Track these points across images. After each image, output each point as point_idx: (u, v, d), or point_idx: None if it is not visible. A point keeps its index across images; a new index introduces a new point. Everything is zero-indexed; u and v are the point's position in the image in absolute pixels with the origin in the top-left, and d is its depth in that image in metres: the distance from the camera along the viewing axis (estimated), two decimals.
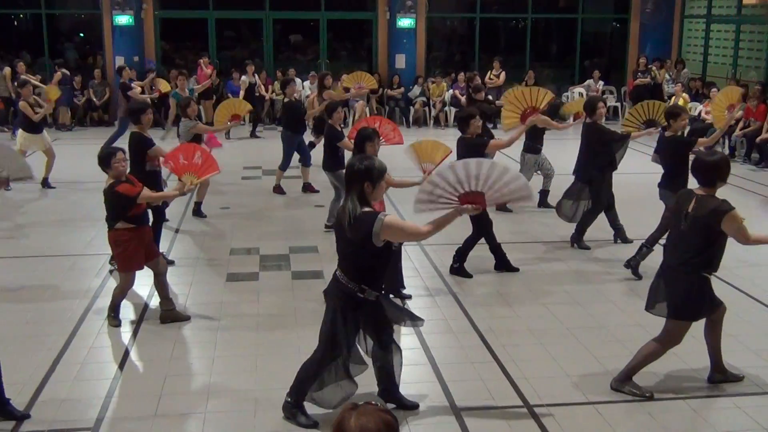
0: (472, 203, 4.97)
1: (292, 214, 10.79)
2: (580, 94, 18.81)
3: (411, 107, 18.74)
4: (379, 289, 5.09)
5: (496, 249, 8.32)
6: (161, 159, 8.01)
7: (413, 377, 5.95)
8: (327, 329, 5.11)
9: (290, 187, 12.04)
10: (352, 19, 21.31)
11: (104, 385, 5.71)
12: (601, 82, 19.41)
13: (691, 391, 5.72)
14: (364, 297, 4.98)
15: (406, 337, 6.68)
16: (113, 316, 6.91)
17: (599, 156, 8.93)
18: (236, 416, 5.34)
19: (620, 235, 9.31)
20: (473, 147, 8.03)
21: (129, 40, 18.88)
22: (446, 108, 18.81)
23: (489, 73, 18.88)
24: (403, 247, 7.85)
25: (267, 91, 18.47)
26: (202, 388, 5.69)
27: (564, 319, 7.01)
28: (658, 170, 8.27)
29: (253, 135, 16.99)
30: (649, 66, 18.45)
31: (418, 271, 8.33)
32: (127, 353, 6.31)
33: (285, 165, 11.89)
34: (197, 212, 10.41)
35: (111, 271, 8.10)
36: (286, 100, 12.33)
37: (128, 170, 6.96)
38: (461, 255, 8.24)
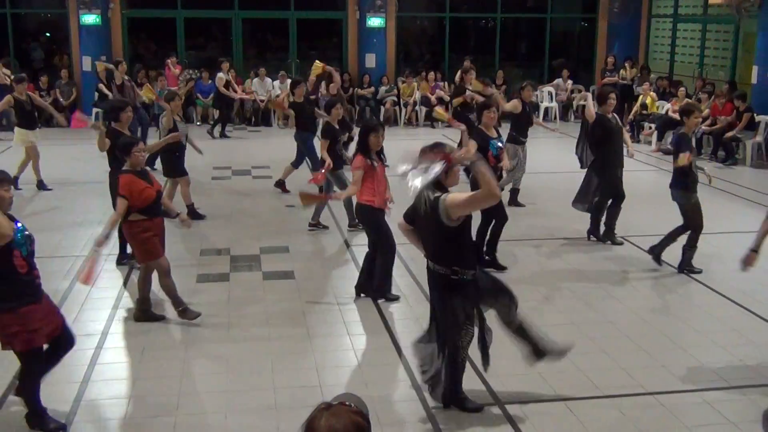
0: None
1: (263, 214, 10.74)
2: (549, 94, 18.96)
3: (381, 107, 18.73)
4: (472, 266, 5.12)
5: (478, 245, 8.29)
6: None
7: (385, 376, 5.95)
8: (447, 319, 5.16)
9: (264, 186, 11.99)
10: (322, 18, 21.26)
11: (73, 389, 5.64)
12: (569, 81, 19.56)
13: (660, 387, 5.77)
14: (458, 279, 5.03)
15: (377, 337, 6.69)
16: (144, 309, 6.88)
17: (606, 147, 9.07)
18: (208, 418, 5.31)
19: (608, 235, 9.34)
20: (479, 137, 8.29)
21: (96, 40, 18.66)
22: (417, 107, 18.83)
23: (459, 72, 18.90)
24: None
25: (237, 91, 18.36)
26: (173, 390, 5.64)
27: (533, 316, 7.02)
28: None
29: (222, 135, 16.87)
30: (618, 64, 18.59)
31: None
32: (96, 356, 6.24)
33: (297, 163, 11.83)
34: (195, 214, 10.20)
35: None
36: (292, 100, 12.23)
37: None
38: (491, 247, 8.27)
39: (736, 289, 7.81)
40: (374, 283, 7.46)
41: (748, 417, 5.15)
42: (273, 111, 18.53)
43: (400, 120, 18.67)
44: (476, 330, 5.25)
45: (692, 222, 8.14)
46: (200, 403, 5.50)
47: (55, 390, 5.50)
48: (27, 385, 5.12)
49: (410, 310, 7.26)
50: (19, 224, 5.04)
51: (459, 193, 5.00)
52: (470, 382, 5.77)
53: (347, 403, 2.52)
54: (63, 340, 5.25)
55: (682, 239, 8.26)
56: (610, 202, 9.21)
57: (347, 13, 19.81)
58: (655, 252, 8.43)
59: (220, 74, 17.26)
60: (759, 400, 5.36)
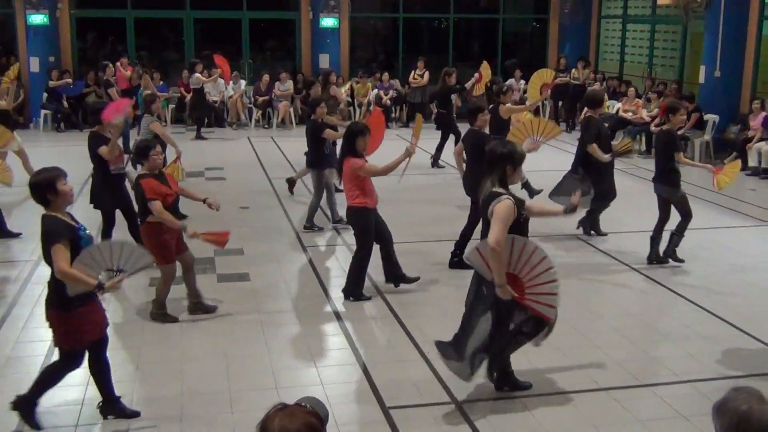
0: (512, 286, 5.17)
1: (217, 216, 10.60)
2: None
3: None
4: None
5: (462, 245, 8.33)
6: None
7: (342, 377, 5.95)
8: (492, 310, 5.26)
9: (218, 188, 11.89)
10: (275, 18, 21.16)
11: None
12: (522, 81, 19.72)
13: (613, 382, 5.85)
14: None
15: (333, 338, 6.68)
16: (162, 314, 6.89)
17: (601, 146, 9.16)
18: (164, 424, 5.24)
19: (594, 227, 9.58)
20: (479, 139, 8.34)
21: (44, 41, 18.29)
22: (371, 107, 18.83)
23: (413, 73, 18.98)
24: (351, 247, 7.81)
25: (189, 92, 18.17)
26: (126, 397, 5.54)
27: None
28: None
29: (198, 137, 16.71)
30: (570, 64, 18.82)
31: (344, 271, 8.30)
32: (48, 362, 6.11)
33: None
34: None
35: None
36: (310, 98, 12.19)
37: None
38: (461, 247, 8.29)
39: (685, 284, 7.97)
40: (345, 284, 7.51)
41: (700, 410, 5.25)
42: (226, 112, 18.39)
43: (355, 118, 18.65)
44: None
45: (684, 210, 8.40)
46: (155, 408, 5.42)
47: (4, 399, 5.38)
48: (47, 379, 5.16)
49: (366, 311, 7.26)
50: (82, 227, 5.01)
51: (502, 213, 5.09)
52: (426, 382, 5.80)
53: (303, 404, 2.53)
54: (104, 342, 5.25)
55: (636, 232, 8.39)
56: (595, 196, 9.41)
57: (300, 14, 19.74)
58: (669, 254, 8.56)
59: (196, 74, 17.11)
60: (710, 393, 5.46)
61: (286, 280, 8.12)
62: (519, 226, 5.22)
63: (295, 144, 15.67)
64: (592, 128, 9.21)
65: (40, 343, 6.41)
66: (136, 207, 7.13)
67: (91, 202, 8.22)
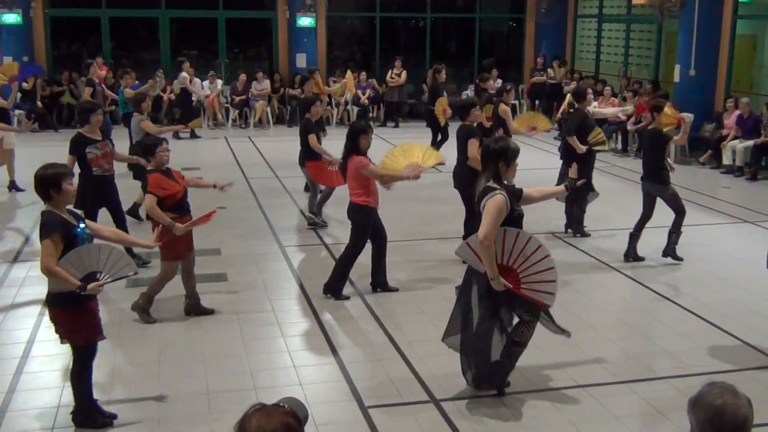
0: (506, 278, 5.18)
1: (193, 216, 10.55)
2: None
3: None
4: None
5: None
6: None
7: (320, 377, 5.94)
8: (482, 304, 5.28)
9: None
10: (251, 18, 21.08)
11: None
12: (499, 81, 19.77)
13: (591, 379, 5.89)
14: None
15: (311, 338, 6.66)
16: (146, 311, 6.87)
17: (585, 141, 9.27)
18: (138, 428, 5.20)
19: (577, 228, 9.63)
20: (469, 134, 8.29)
21: (17, 40, 18.10)
22: (349, 107, 18.83)
23: (390, 72, 18.99)
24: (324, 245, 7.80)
25: (165, 91, 18.08)
26: (100, 399, 5.51)
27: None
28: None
29: (193, 135, 16.71)
30: (546, 63, 18.92)
31: (323, 271, 8.29)
32: (22, 365, 6.05)
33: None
34: (135, 214, 10.00)
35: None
36: (303, 96, 12.18)
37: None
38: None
39: (661, 282, 8.04)
40: (328, 279, 7.50)
41: (676, 406, 5.29)
42: (203, 111, 18.30)
43: (332, 120, 18.62)
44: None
45: (677, 207, 8.48)
46: (132, 410, 5.38)
47: None
48: (81, 381, 5.13)
49: (345, 310, 7.25)
50: (82, 225, 5.01)
51: (492, 208, 5.10)
52: (405, 381, 5.80)
53: (282, 404, 2.53)
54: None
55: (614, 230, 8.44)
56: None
57: (277, 13, 19.68)
58: (669, 253, 8.62)
59: (183, 73, 17.02)
60: (686, 389, 5.51)
61: (264, 280, 8.09)
62: (512, 221, 5.22)
63: (273, 144, 15.67)
64: (574, 120, 9.32)
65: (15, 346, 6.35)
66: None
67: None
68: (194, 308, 7.04)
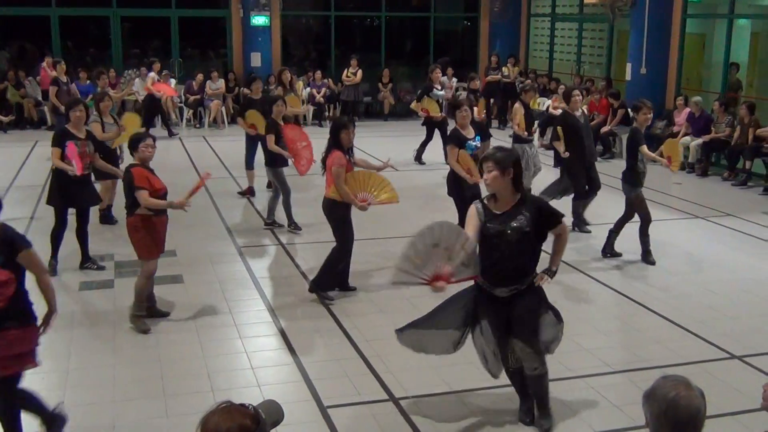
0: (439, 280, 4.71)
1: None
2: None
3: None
4: (488, 279, 4.88)
5: None
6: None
7: (278, 378, 5.91)
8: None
9: None
10: (205, 17, 20.89)
11: None
12: (454, 79, 19.88)
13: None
14: (480, 284, 4.96)
15: (269, 339, 6.63)
16: (141, 317, 6.72)
17: (573, 144, 9.36)
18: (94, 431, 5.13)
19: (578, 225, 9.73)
20: (457, 139, 8.23)
21: None
22: (305, 106, 18.75)
23: (346, 71, 18.97)
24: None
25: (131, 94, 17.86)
26: (54, 403, 5.41)
27: (424, 311, 7.10)
28: None
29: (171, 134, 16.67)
30: (501, 62, 19.05)
31: (279, 272, 8.26)
32: None
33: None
34: (107, 218, 9.92)
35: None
36: (249, 96, 12.08)
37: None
38: None
39: (615, 277, 8.15)
40: (316, 276, 7.47)
41: (631, 399, 5.37)
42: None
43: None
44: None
45: (640, 212, 8.55)
46: (85, 415, 5.29)
47: None
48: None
49: (303, 311, 7.23)
50: None
51: (467, 219, 4.95)
52: (364, 379, 5.80)
53: (248, 405, 2.53)
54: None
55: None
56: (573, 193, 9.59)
57: (230, 12, 19.54)
58: (607, 251, 8.76)
59: (151, 74, 16.76)
60: (640, 382, 5.59)
61: (221, 281, 8.02)
62: (482, 238, 4.83)
63: (228, 144, 15.53)
64: (555, 124, 9.54)
65: None
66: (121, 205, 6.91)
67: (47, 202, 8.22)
68: (150, 311, 6.94)
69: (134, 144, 6.70)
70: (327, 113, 19.07)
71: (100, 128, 9.23)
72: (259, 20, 19.29)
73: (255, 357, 6.25)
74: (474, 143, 8.35)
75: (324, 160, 7.41)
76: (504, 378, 5.78)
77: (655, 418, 2.73)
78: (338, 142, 7.24)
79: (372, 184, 7.39)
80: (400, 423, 5.24)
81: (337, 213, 7.35)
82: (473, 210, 4.93)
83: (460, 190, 8.16)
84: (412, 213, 10.02)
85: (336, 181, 7.18)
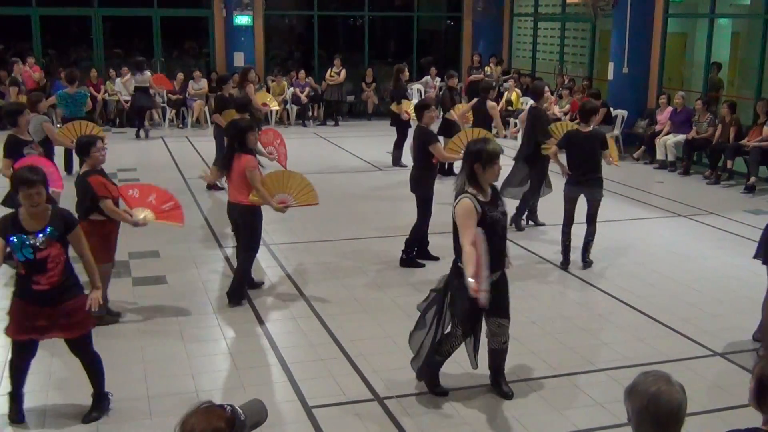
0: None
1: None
2: (419, 91, 19.24)
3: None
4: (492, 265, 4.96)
5: (423, 239, 8.44)
6: None
7: (263, 378, 5.89)
8: (460, 308, 5.22)
9: None
10: (187, 16, 20.81)
11: None
12: (437, 79, 19.90)
13: (530, 373, 5.98)
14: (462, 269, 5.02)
15: (253, 339, 6.61)
16: (109, 311, 6.74)
17: (541, 139, 9.41)
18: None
19: (533, 218, 9.97)
20: (427, 140, 8.15)
21: None
22: (288, 106, 18.73)
23: (329, 70, 18.95)
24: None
25: (99, 91, 17.74)
26: (37, 407, 5.38)
27: (408, 310, 7.11)
28: None
29: (138, 136, 16.57)
30: (484, 61, 19.11)
31: (265, 271, 8.24)
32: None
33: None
34: None
35: None
36: (219, 94, 12.05)
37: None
38: (411, 245, 8.35)
39: (597, 275, 8.19)
40: (232, 285, 7.39)
41: (614, 397, 5.40)
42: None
43: (272, 119, 18.49)
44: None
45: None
46: (68, 415, 5.27)
47: None
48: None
49: (288, 311, 7.21)
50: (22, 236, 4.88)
51: (460, 214, 5.05)
52: (348, 379, 5.80)
53: (226, 406, 2.53)
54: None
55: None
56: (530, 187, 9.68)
57: (213, 11, 19.48)
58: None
59: (147, 72, 16.67)
60: (623, 380, 5.62)
61: (204, 281, 7.99)
62: (486, 226, 5.01)
63: (211, 143, 15.46)
64: (532, 120, 9.61)
65: None
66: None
67: (2, 202, 8.12)
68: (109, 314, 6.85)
69: (85, 149, 6.49)
70: (310, 113, 19.04)
71: (52, 127, 9.37)
72: (242, 20, 19.24)
73: (240, 358, 6.23)
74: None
75: (227, 164, 7.20)
76: (485, 377, 5.80)
77: (637, 413, 2.76)
78: (244, 145, 7.15)
79: (291, 186, 7.29)
80: (385, 423, 5.24)
81: (255, 219, 7.30)
82: (469, 204, 5.07)
83: (424, 188, 8.21)
84: (395, 212, 10.03)
85: (253, 183, 7.05)
